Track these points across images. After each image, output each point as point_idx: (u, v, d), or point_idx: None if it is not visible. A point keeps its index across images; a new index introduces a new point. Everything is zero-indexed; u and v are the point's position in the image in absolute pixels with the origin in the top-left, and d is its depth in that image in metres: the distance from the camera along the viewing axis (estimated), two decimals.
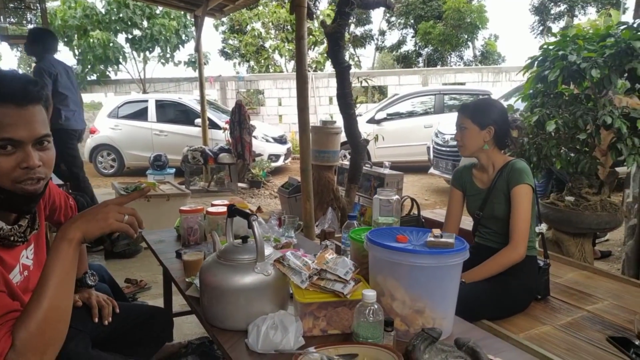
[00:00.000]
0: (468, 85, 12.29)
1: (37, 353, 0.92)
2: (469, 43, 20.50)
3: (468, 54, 21.65)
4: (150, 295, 3.08)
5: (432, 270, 1.24)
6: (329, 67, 15.86)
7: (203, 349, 2.21)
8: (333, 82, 12.88)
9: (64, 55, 20.82)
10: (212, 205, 2.21)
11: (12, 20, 8.05)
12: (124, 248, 3.86)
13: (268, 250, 1.36)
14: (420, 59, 21.87)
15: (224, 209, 2.06)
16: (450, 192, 2.17)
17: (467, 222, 2.26)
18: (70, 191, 3.56)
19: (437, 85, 11.87)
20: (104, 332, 1.50)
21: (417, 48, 21.76)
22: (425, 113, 8.70)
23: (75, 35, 12.76)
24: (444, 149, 6.37)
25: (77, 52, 13.07)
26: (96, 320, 1.49)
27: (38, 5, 7.65)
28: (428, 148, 7.04)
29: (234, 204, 1.52)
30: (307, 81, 3.99)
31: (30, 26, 8.94)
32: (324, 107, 12.60)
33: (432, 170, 6.73)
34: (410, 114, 8.75)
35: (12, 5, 7.89)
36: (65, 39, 13.08)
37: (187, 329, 2.52)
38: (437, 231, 1.32)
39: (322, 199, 4.83)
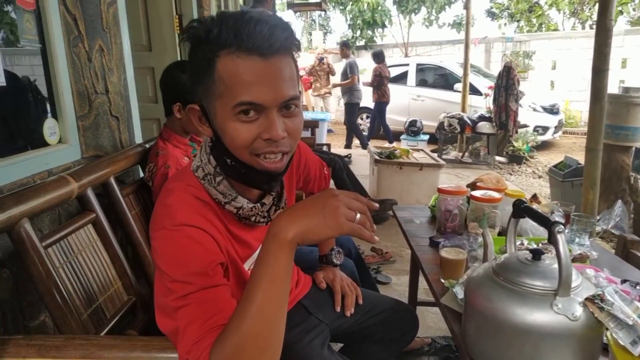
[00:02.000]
0: None
1: None
2: None
3: None
4: (394, 270, 2.91)
5: None
6: (621, 23, 12.91)
7: (448, 354, 1.89)
8: (628, 40, 10.45)
9: (337, 22, 22.84)
10: (477, 187, 1.81)
11: None
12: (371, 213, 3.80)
13: (576, 279, 0.90)
14: None
15: (496, 195, 1.63)
16: None
17: None
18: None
19: None
20: (345, 324, 1.31)
21: None
22: None
23: (350, 2, 13.69)
24: None
25: (348, 18, 14.06)
26: (338, 309, 1.31)
27: None
28: None
29: (521, 199, 1.09)
30: (611, 35, 3.10)
31: None
32: (614, 72, 10.29)
33: None
34: None
35: None
36: (341, 7, 14.18)
37: (431, 321, 2.23)
38: None
39: (609, 188, 3.87)
